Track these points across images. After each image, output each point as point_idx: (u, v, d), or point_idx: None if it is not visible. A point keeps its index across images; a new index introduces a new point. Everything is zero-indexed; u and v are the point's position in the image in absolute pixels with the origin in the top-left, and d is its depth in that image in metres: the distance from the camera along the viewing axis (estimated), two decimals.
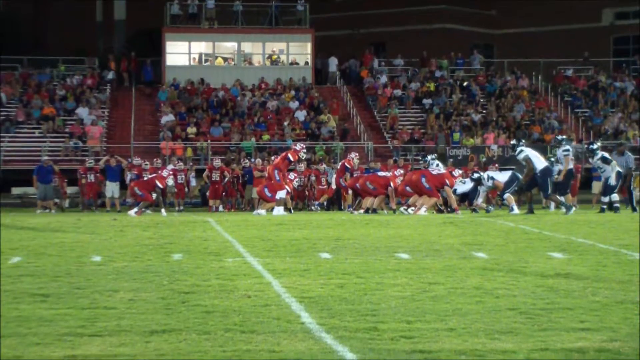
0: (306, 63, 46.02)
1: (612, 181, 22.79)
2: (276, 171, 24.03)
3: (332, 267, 10.96)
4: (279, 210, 23.63)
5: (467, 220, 19.09)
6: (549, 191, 22.26)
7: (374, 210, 23.77)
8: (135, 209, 25.22)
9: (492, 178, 24.66)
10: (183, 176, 30.68)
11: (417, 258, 11.95)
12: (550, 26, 56.81)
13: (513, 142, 23.70)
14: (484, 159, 35.77)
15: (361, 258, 11.98)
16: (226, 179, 30.31)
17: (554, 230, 16.20)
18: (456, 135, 39.57)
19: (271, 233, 16.15)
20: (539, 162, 22.07)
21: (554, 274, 10.28)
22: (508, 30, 58.44)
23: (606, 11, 58.11)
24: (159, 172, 27.09)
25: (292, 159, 24.57)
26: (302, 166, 29.96)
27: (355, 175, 26.52)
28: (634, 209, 23.16)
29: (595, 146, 23.66)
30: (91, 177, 30.25)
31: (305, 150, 26.45)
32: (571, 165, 23.61)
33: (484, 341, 6.78)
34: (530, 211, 22.00)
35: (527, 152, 22.22)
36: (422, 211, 22.59)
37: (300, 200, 30.76)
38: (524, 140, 24.20)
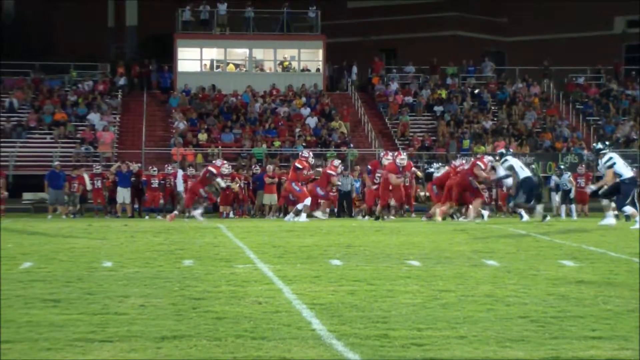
0: (317, 70, 46.01)
1: None
2: (293, 184, 24.50)
3: (342, 274, 10.95)
4: (303, 217, 23.88)
5: (478, 228, 19.07)
6: (517, 201, 22.21)
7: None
8: (200, 210, 25.38)
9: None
10: None
11: (428, 265, 11.94)
12: (562, 34, 56.67)
13: (501, 151, 23.70)
14: None
15: (372, 265, 11.97)
16: (237, 185, 30.27)
17: (565, 238, 16.18)
18: (466, 142, 39.50)
19: (282, 239, 16.16)
20: (522, 171, 22.26)
21: (565, 282, 10.26)
22: (519, 37, 58.30)
23: (618, 19, 57.95)
24: (171, 177, 26.99)
25: (299, 166, 24.75)
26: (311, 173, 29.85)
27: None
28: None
29: (599, 146, 23.09)
30: (98, 184, 30.26)
31: (312, 155, 26.51)
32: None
33: (495, 349, 6.77)
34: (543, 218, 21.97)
35: (511, 161, 22.42)
36: (472, 214, 22.56)
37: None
38: (511, 150, 24.65)
